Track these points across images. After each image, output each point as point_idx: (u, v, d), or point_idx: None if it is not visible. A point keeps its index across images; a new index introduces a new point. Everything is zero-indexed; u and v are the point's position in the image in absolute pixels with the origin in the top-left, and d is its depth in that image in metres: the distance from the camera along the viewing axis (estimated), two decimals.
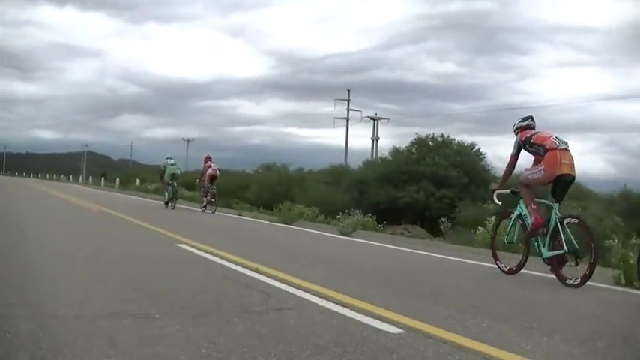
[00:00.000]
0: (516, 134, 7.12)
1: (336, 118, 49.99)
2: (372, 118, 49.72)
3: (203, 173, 18.53)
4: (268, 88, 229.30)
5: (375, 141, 49.31)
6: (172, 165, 19.38)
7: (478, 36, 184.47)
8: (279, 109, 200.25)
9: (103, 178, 57.43)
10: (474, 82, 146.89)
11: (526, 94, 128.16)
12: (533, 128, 7.08)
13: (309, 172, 35.92)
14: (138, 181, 43.69)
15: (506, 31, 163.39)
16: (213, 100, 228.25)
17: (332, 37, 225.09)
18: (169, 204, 18.65)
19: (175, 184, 18.98)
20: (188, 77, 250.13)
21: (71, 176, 74.09)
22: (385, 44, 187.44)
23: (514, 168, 7.35)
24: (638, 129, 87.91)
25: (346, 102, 50.28)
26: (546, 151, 6.62)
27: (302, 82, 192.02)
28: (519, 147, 7.03)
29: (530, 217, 6.77)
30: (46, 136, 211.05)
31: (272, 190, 29.77)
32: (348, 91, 51.43)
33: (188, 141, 77.58)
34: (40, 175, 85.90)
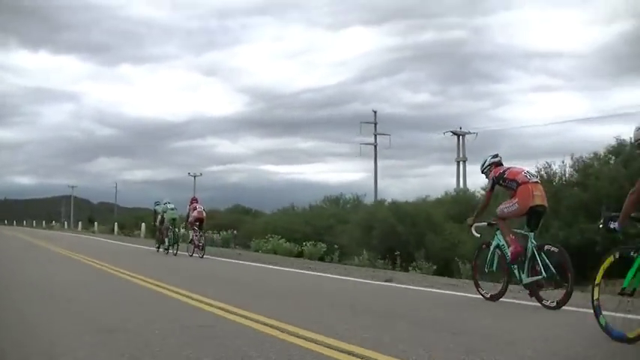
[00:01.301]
0: (489, 171, 7.88)
1: (362, 144, 45.84)
2: (455, 133, 43.33)
3: (188, 216, 18.34)
4: (244, 125, 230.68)
5: (460, 163, 42.90)
6: (172, 210, 19.44)
7: (451, 65, 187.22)
8: (255, 147, 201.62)
9: (96, 224, 53.19)
10: (449, 112, 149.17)
11: (502, 121, 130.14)
12: (502, 164, 7.88)
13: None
14: (143, 226, 38.72)
15: (479, 59, 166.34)
16: (189, 140, 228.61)
17: (306, 71, 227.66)
18: (170, 250, 18.59)
19: (176, 229, 19.08)
20: (164, 118, 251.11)
21: (54, 222, 71.15)
22: (360, 77, 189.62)
23: (489, 202, 8.09)
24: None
25: (372, 125, 46.30)
26: (519, 185, 7.36)
27: (277, 118, 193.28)
28: (494, 182, 7.74)
29: (509, 247, 7.36)
30: (24, 181, 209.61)
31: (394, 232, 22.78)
32: (375, 112, 47.20)
33: (195, 176, 68.62)
34: (22, 222, 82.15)
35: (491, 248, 7.76)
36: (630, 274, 5.04)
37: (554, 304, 6.71)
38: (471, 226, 8.17)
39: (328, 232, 27.42)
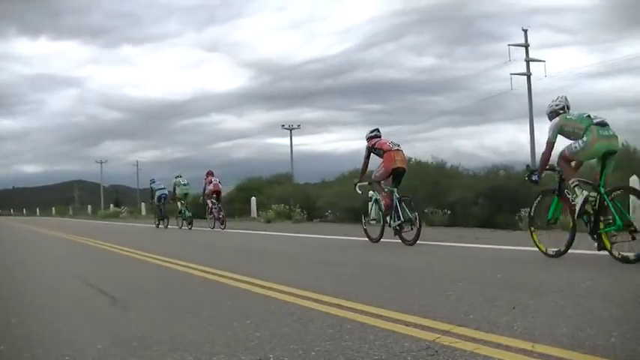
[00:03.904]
0: (367, 141, 10.25)
1: (512, 74, 36.84)
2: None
3: (205, 189, 18.69)
4: (249, 99, 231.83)
5: None
6: (185, 185, 20.13)
7: (455, 26, 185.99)
8: (261, 120, 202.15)
9: (124, 208, 46.75)
10: (455, 74, 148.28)
11: (508, 80, 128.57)
12: (380, 137, 10.23)
13: None
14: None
15: (482, 18, 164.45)
16: (194, 118, 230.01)
17: (310, 41, 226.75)
18: (183, 226, 19.25)
19: (187, 204, 19.77)
20: (168, 97, 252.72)
21: (71, 208, 61.66)
22: (364, 44, 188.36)
23: (367, 166, 10.53)
24: (621, 104, 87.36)
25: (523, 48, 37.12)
26: (384, 152, 9.81)
27: (282, 91, 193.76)
28: (369, 151, 10.19)
29: (383, 200, 9.88)
30: (31, 169, 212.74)
31: None
32: (525, 31, 37.29)
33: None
34: (35, 210, 72.42)
35: (372, 201, 10.37)
36: (552, 208, 7.38)
37: (412, 239, 9.24)
38: (356, 185, 10.74)
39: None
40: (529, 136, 36.15)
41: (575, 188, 6.96)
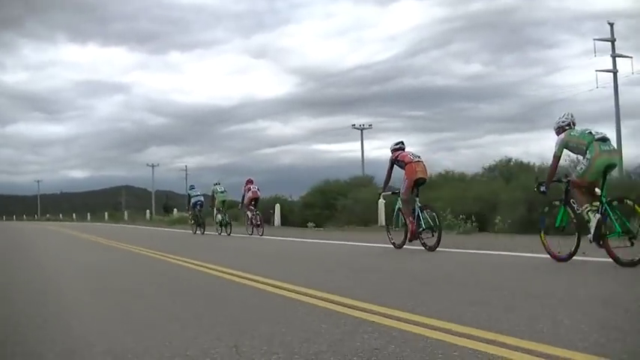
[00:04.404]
0: (391, 153, 10.96)
1: (598, 70, 34.12)
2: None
3: (244, 197, 19.40)
4: (295, 106, 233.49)
5: None
6: (222, 192, 20.87)
7: (502, 33, 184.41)
8: (307, 127, 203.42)
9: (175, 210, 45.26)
10: (501, 81, 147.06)
11: (555, 87, 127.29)
12: (403, 150, 10.93)
13: None
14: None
15: (530, 25, 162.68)
16: (240, 124, 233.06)
17: (356, 48, 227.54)
18: (222, 232, 20.04)
19: (225, 211, 20.53)
20: (214, 103, 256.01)
21: (126, 213, 56.74)
22: (410, 51, 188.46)
23: (390, 177, 11.31)
24: None
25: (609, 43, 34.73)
26: (406, 164, 10.55)
27: (328, 97, 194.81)
28: (392, 163, 10.93)
29: (409, 225, 10.48)
30: (79, 174, 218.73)
31: None
32: (611, 25, 35.22)
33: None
34: (86, 215, 68.76)
35: (395, 210, 11.05)
36: (559, 216, 8.05)
37: (433, 244, 9.98)
38: (380, 194, 11.64)
39: None
40: (615, 135, 33.10)
41: (589, 213, 7.52)
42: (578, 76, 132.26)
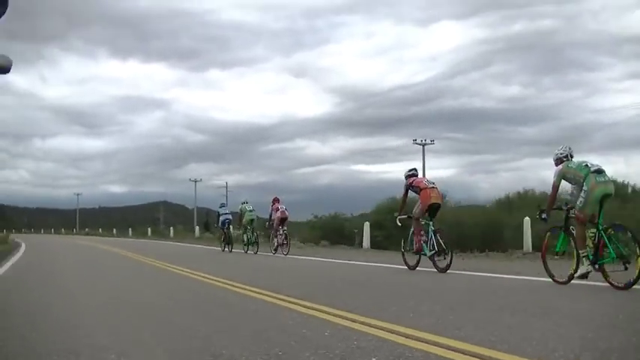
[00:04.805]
0: (406, 179, 11.66)
1: None
2: None
3: (271, 216, 19.93)
4: (333, 125, 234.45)
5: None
6: (251, 211, 21.49)
7: (542, 55, 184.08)
8: (345, 147, 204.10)
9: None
10: (540, 103, 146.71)
11: (596, 112, 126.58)
12: (417, 176, 11.78)
13: None
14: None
15: (571, 47, 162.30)
16: (279, 143, 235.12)
17: (396, 68, 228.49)
18: (250, 250, 20.56)
19: (253, 230, 20.96)
20: (253, 121, 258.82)
21: (172, 229, 52.02)
22: (450, 72, 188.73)
23: (405, 202, 12.05)
24: None
25: None
26: (421, 190, 11.24)
27: (367, 117, 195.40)
28: (407, 188, 11.62)
29: (416, 244, 11.21)
30: (117, 189, 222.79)
31: None
32: None
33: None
34: (127, 230, 64.15)
35: (410, 233, 11.55)
36: (559, 242, 8.60)
37: (444, 267, 10.49)
38: (397, 217, 12.07)
39: None
40: None
41: (584, 259, 8.11)
42: (618, 99, 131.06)
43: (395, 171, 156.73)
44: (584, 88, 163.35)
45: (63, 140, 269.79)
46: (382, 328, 5.08)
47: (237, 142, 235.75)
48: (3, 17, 3.03)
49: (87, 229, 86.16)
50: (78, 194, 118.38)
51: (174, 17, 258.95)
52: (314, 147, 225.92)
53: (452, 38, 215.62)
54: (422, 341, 4.50)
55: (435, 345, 4.37)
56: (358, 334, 4.88)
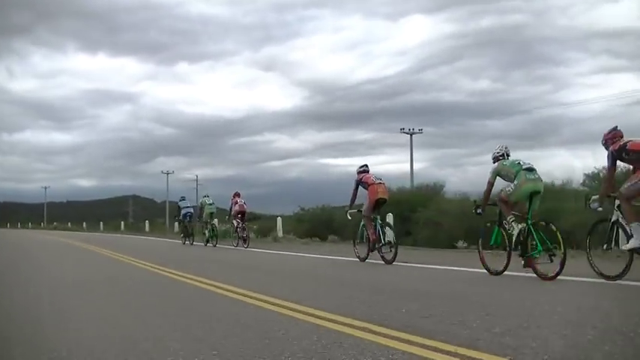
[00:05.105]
0: (357, 175, 12.16)
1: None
2: None
3: (231, 209, 20.27)
4: (302, 119, 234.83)
5: None
6: (211, 204, 21.88)
7: (511, 50, 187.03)
8: (314, 140, 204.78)
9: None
10: (509, 97, 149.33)
11: (564, 106, 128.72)
12: (367, 172, 12.13)
13: None
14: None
15: (540, 42, 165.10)
16: (248, 136, 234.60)
17: (365, 62, 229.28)
18: (209, 243, 20.90)
19: (214, 222, 21.36)
20: (222, 114, 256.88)
21: (147, 223, 47.39)
22: (419, 66, 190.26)
23: (356, 196, 12.44)
24: None
25: None
26: (369, 185, 11.82)
27: (336, 111, 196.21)
28: (357, 184, 12.12)
29: (371, 237, 11.66)
30: (85, 183, 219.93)
31: None
32: None
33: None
34: (99, 225, 59.66)
35: (361, 227, 12.24)
36: (493, 235, 9.12)
37: (390, 259, 11.15)
38: (347, 212, 12.87)
39: None
40: None
41: (513, 223, 8.61)
42: (586, 93, 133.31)
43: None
44: (552, 83, 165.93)
45: (31, 134, 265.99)
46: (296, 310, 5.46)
47: (206, 136, 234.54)
48: None
49: (55, 223, 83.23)
50: (46, 187, 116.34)
51: (143, 10, 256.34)
52: (283, 140, 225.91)
53: (421, 33, 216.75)
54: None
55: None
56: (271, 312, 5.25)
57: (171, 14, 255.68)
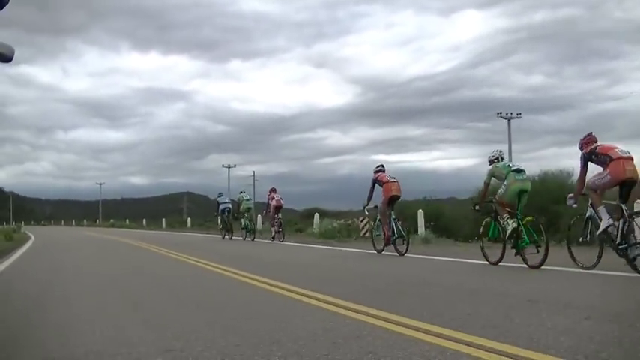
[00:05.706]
0: (374, 174, 13.31)
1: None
2: None
3: (268, 205, 21.49)
4: (354, 116, 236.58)
5: None
6: (248, 200, 23.18)
7: (565, 44, 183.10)
8: (366, 137, 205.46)
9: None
10: (563, 92, 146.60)
11: (618, 100, 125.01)
12: (383, 172, 13.30)
13: None
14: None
15: (593, 36, 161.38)
16: (300, 133, 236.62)
17: (418, 58, 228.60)
18: (247, 237, 22.09)
19: (251, 217, 22.67)
20: (274, 111, 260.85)
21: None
22: (472, 61, 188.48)
23: (372, 194, 13.56)
24: None
25: None
26: (384, 184, 12.94)
27: (388, 107, 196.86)
28: (374, 182, 13.25)
29: (384, 234, 12.88)
30: (138, 181, 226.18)
31: None
32: None
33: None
34: (162, 222, 55.10)
35: (376, 222, 13.50)
36: (491, 229, 10.21)
37: (403, 251, 12.26)
38: (364, 208, 14.03)
39: None
40: None
41: (507, 220, 9.72)
42: None
43: (415, 161, 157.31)
44: (606, 77, 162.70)
45: (85, 132, 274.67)
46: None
47: (258, 133, 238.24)
48: (5, 8, 2.92)
49: (112, 220, 78.34)
50: (101, 184, 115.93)
51: (195, 8, 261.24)
52: (335, 137, 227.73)
53: (474, 28, 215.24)
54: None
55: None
56: (291, 299, 6.45)
57: (224, 12, 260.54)
